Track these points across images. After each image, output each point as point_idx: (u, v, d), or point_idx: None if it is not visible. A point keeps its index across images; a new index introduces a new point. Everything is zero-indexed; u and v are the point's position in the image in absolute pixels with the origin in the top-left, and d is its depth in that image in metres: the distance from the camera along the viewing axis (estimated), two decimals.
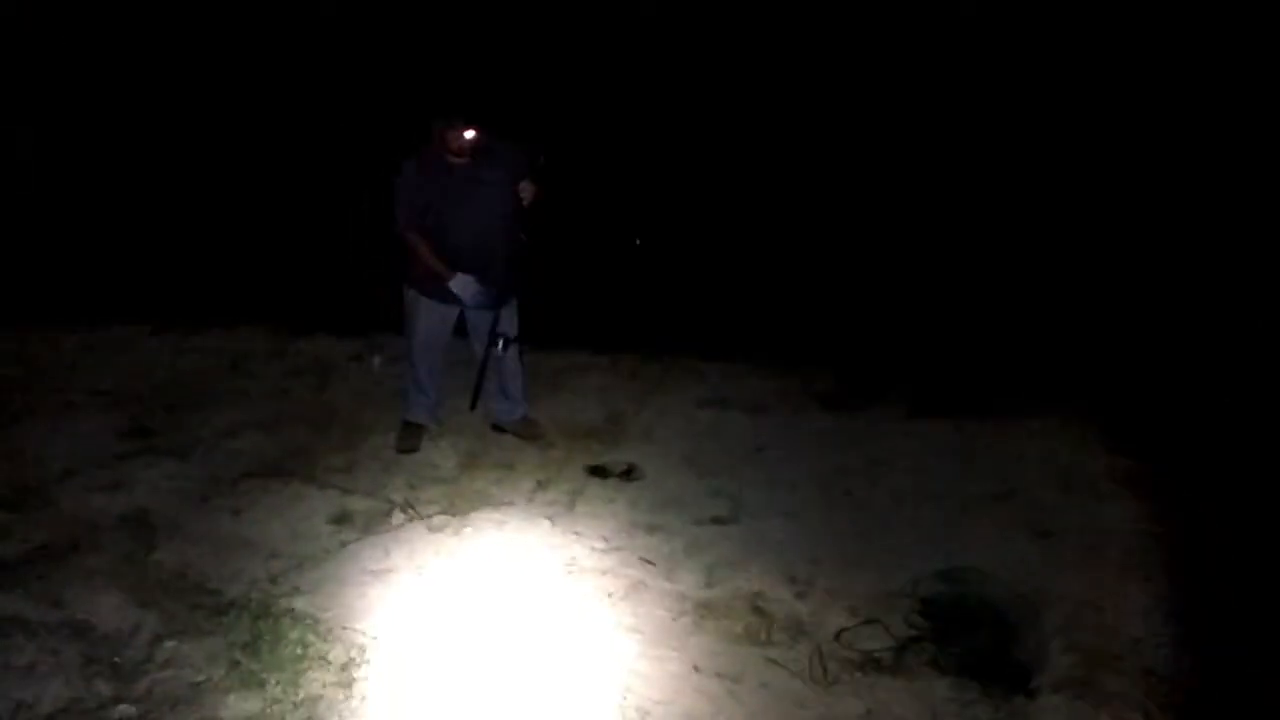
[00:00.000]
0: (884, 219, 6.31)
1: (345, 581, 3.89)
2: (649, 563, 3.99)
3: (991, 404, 4.95)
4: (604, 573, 3.93)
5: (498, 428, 4.89)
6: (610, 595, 3.81)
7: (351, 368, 5.45)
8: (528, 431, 4.86)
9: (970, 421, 4.86)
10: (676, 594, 3.81)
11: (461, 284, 4.43)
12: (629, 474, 4.57)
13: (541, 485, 4.54)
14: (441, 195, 4.35)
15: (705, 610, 3.72)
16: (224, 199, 7.00)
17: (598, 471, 4.59)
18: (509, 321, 4.62)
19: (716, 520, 4.24)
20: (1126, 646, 3.51)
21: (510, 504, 4.40)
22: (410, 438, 4.80)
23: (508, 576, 3.94)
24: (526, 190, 4.44)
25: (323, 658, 3.51)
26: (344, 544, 4.12)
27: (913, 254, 6.16)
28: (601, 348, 5.56)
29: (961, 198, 6.21)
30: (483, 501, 4.41)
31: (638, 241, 6.16)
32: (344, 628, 3.63)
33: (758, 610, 3.73)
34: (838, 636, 3.59)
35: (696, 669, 3.46)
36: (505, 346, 4.59)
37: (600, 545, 4.10)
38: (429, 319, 4.58)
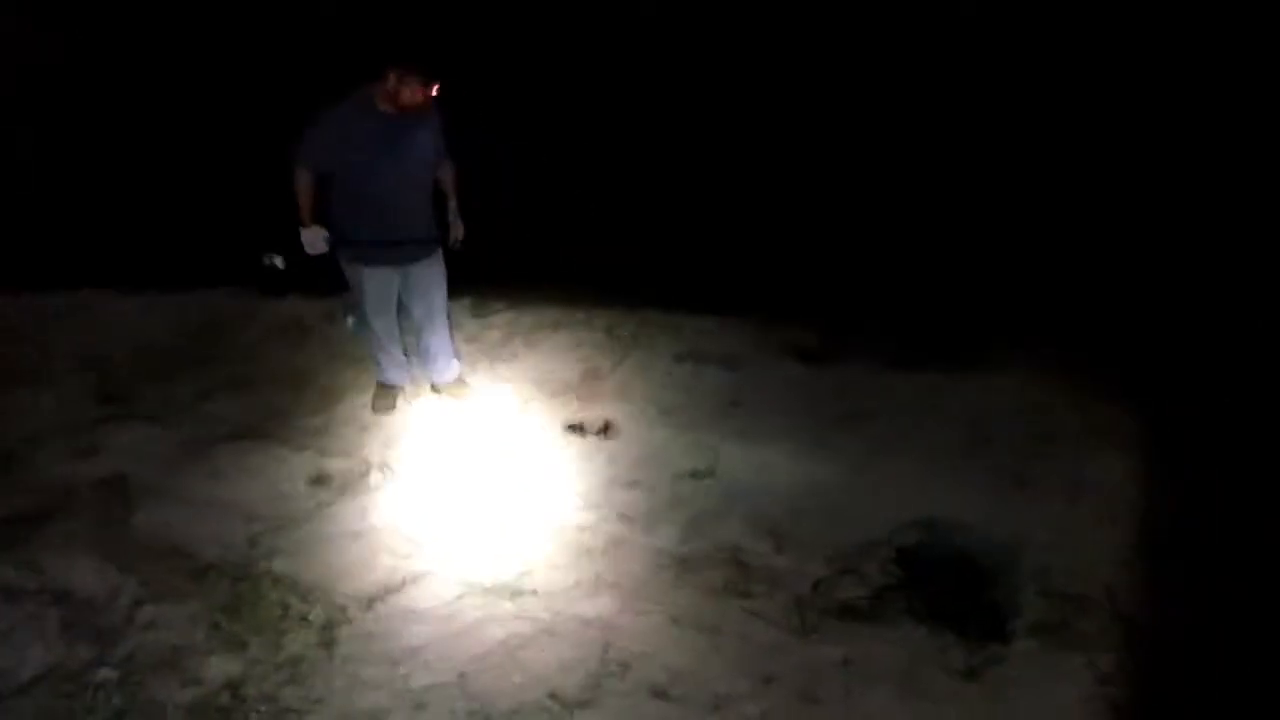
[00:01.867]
0: (862, 169, 6.26)
1: (325, 542, 3.90)
2: (628, 518, 4.00)
3: (970, 355, 4.96)
4: (583, 529, 3.96)
5: (435, 389, 4.87)
6: (589, 551, 3.85)
7: (325, 328, 5.42)
8: (459, 392, 4.83)
9: (948, 372, 4.86)
10: (655, 549, 3.85)
11: (310, 236, 4.26)
12: (606, 430, 4.57)
13: (517, 443, 4.53)
14: (368, 141, 4.18)
15: (684, 564, 3.76)
16: (191, 158, 6.90)
17: (575, 429, 4.59)
18: (438, 279, 4.57)
19: (695, 474, 4.25)
20: (1099, 592, 3.58)
21: (488, 463, 4.39)
22: (386, 399, 4.79)
23: (486, 536, 3.96)
24: (457, 229, 4.47)
25: (304, 619, 3.54)
26: (322, 505, 4.11)
27: (891, 204, 6.12)
28: (576, 304, 5.52)
29: (942, 152, 6.18)
30: (459, 461, 4.41)
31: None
32: (324, 589, 3.66)
33: (737, 563, 3.76)
34: (815, 586, 3.64)
35: (676, 621, 3.51)
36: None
37: (579, 502, 4.11)
38: (372, 283, 4.49)
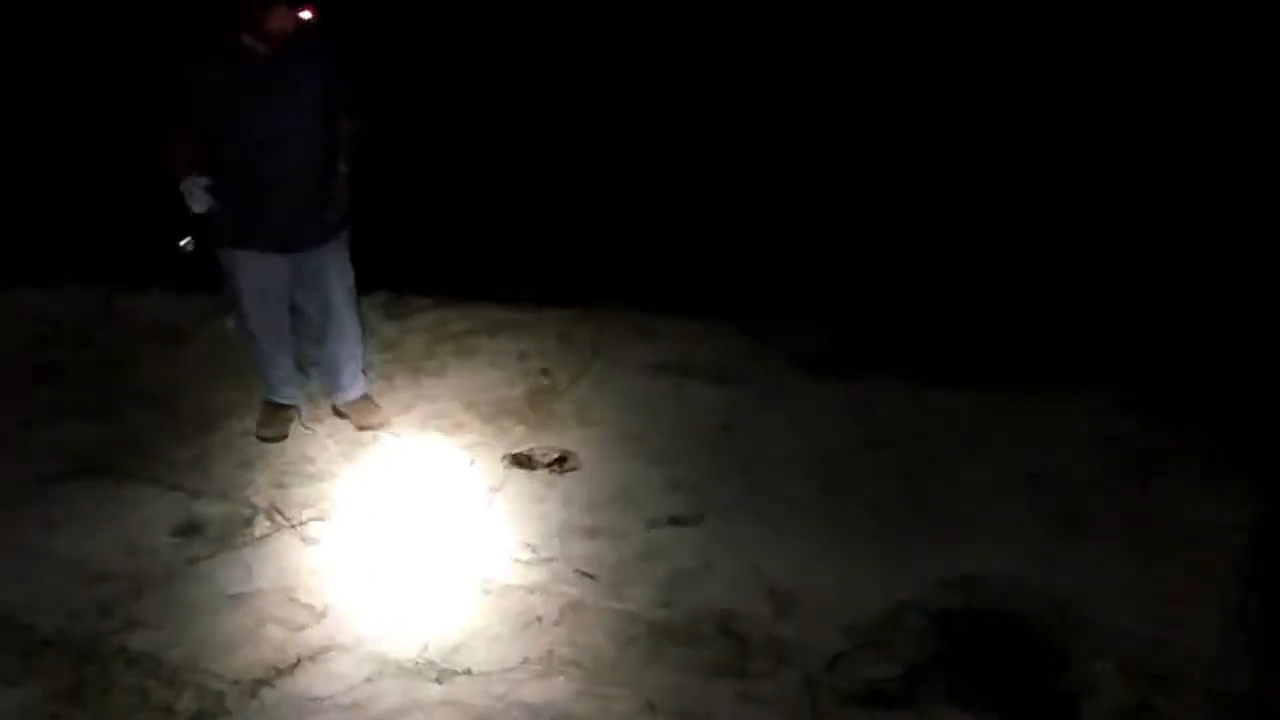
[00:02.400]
0: (880, 149, 6.40)
1: (196, 610, 3.87)
2: (589, 576, 4.00)
3: (1012, 371, 5.01)
4: (532, 591, 3.93)
5: (338, 411, 4.86)
6: (540, 620, 3.80)
7: (199, 333, 5.41)
8: (362, 416, 4.80)
9: (989, 392, 4.90)
10: (625, 615, 3.82)
11: (190, 186, 4.25)
12: (561, 464, 4.56)
13: (448, 480, 4.52)
14: (234, 90, 4.15)
15: (662, 635, 3.73)
16: (33, 139, 7.03)
17: (521, 461, 4.58)
18: (337, 269, 4.56)
19: (674, 520, 4.25)
20: (1191, 664, 3.55)
21: (408, 506, 4.38)
22: (275, 423, 4.77)
23: (406, 601, 3.93)
24: (346, 126, 4.42)
25: (168, 709, 3.49)
26: (193, 562, 4.10)
27: (917, 186, 6.22)
28: (522, 300, 5.55)
29: (967, 145, 6.37)
30: (371, 503, 4.40)
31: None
32: (195, 670, 3.62)
33: (729, 633, 3.73)
34: (832, 664, 3.60)
35: (652, 710, 3.46)
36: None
37: (526, 556, 4.10)
38: (249, 274, 4.47)
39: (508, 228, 5.97)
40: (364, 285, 4.66)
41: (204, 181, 4.24)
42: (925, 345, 5.17)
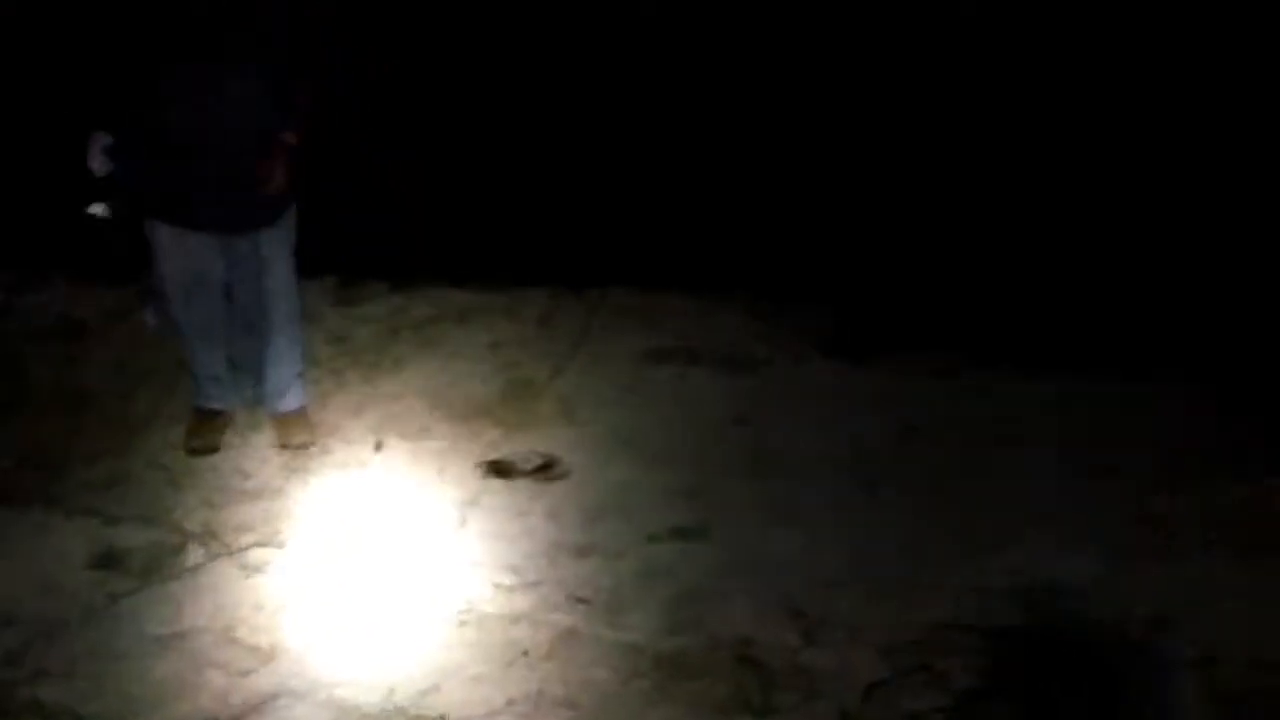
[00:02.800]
0: (912, 106, 6.45)
1: (119, 656, 3.81)
2: (582, 601, 3.99)
3: (1059, 354, 5.05)
4: (516, 620, 3.92)
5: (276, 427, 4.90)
6: (527, 654, 3.79)
7: (112, 331, 5.40)
8: (291, 432, 4.78)
9: (1034, 378, 4.94)
10: (626, 646, 3.81)
11: (91, 143, 4.27)
12: (545, 471, 4.58)
13: (413, 494, 4.53)
14: (151, 28, 4.16)
15: (670, 668, 3.72)
16: None
17: (498, 469, 4.60)
18: (277, 252, 4.56)
19: (679, 533, 4.26)
20: None
21: (366, 525, 4.38)
22: (205, 433, 4.76)
23: (368, 637, 3.91)
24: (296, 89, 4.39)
25: None
26: (114, 599, 4.05)
27: (951, 144, 6.25)
28: (495, 281, 5.58)
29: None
30: (323, 523, 4.40)
31: None
32: None
33: (748, 663, 3.72)
34: (869, 695, 3.60)
35: None
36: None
37: (509, 580, 4.09)
38: (176, 254, 4.47)
39: (478, 204, 5.98)
40: (309, 269, 4.67)
41: (104, 140, 4.26)
42: (960, 324, 5.21)
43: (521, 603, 3.98)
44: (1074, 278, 5.53)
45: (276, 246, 4.55)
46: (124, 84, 4.25)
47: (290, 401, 4.79)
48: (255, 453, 4.74)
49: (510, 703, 3.61)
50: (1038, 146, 6.20)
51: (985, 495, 4.34)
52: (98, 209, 4.34)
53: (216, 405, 4.78)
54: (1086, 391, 4.88)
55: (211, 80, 4.22)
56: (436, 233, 5.76)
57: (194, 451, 4.71)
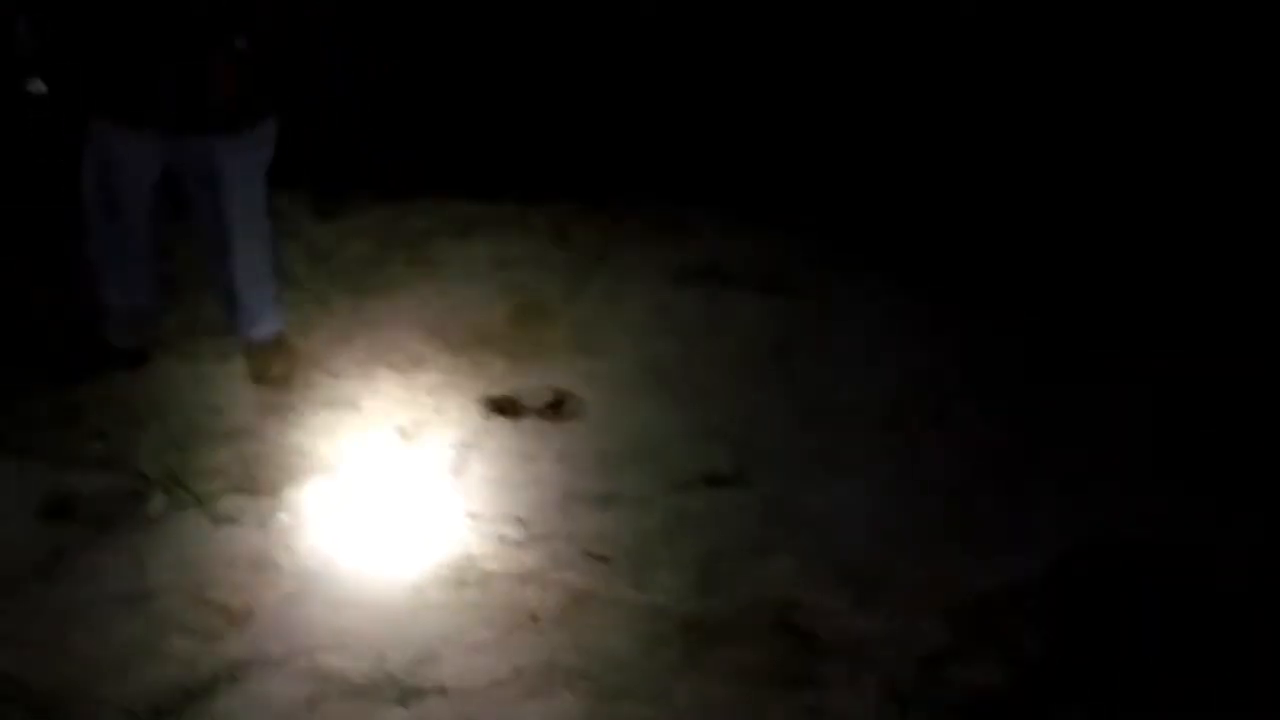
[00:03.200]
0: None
1: (73, 619, 3.80)
2: (599, 558, 4.00)
3: (1138, 293, 5.15)
4: (524, 580, 3.93)
5: (247, 354, 4.90)
6: (536, 618, 3.80)
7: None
8: (267, 362, 4.82)
9: (1111, 315, 5.02)
10: (650, 608, 3.83)
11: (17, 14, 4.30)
12: (556, 409, 4.61)
13: (406, 434, 4.54)
14: None
15: (700, 634, 3.73)
16: None
17: (503, 407, 4.62)
18: (238, 168, 4.55)
19: (712, 481, 4.28)
20: None
21: (353, 469, 4.38)
22: (74, 358, 4.80)
23: (359, 597, 3.91)
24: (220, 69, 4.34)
25: None
26: (65, 553, 4.03)
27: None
28: (504, 190, 5.56)
29: None
30: (305, 467, 4.40)
31: None
32: (75, 698, 3.58)
33: (790, 629, 3.75)
34: (925, 666, 3.63)
35: None
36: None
37: (515, 533, 4.11)
38: (101, 147, 4.47)
39: (483, 113, 6.00)
40: (285, 173, 4.62)
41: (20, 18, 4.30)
42: (1036, 246, 5.23)
43: (529, 559, 3.99)
44: (1139, 208, 5.62)
45: (236, 160, 4.53)
46: None
47: (264, 329, 4.80)
48: (227, 386, 4.74)
49: (517, 673, 3.60)
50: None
51: (1059, 440, 4.36)
52: (37, 85, 4.35)
53: (119, 341, 4.80)
54: (1157, 332, 4.92)
55: None
56: (434, 139, 5.75)
57: (56, 378, 4.72)
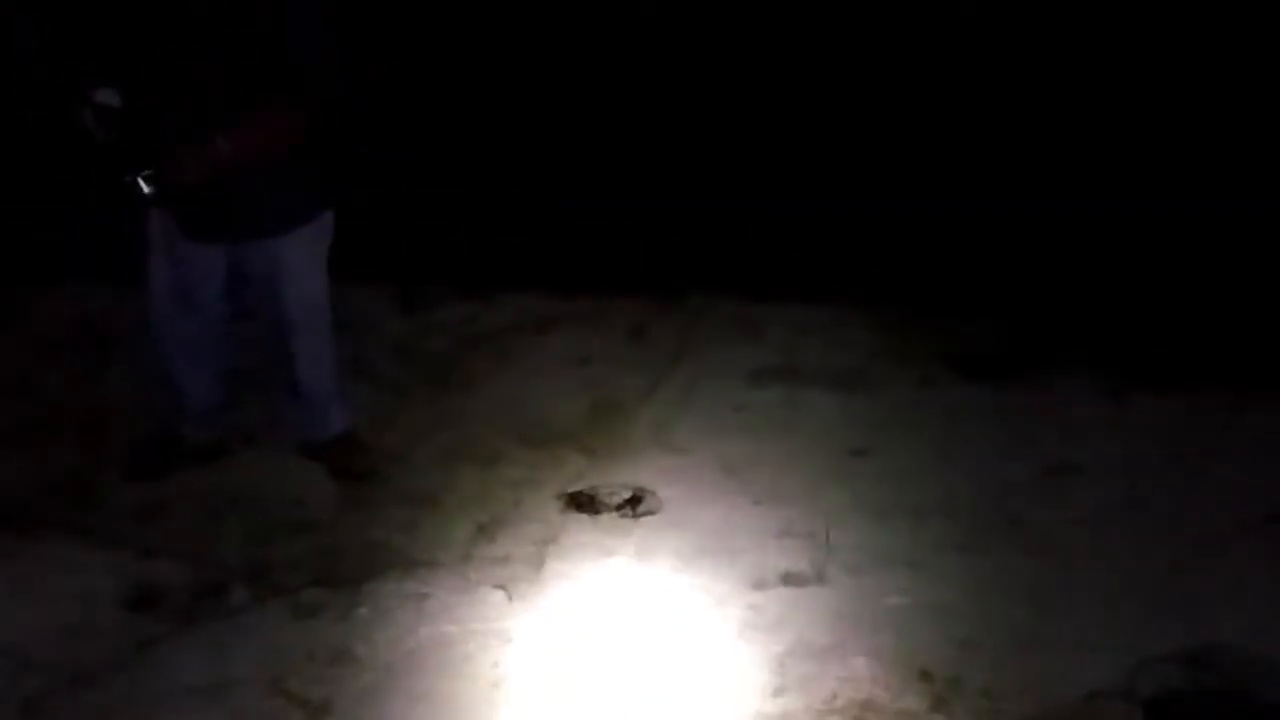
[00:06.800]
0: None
1: (151, 708, 3.83)
2: (679, 653, 3.99)
3: (1243, 371, 5.03)
4: (606, 679, 3.93)
5: (309, 453, 4.92)
6: (616, 716, 3.80)
7: (141, 337, 5.18)
8: (346, 458, 4.85)
9: (1218, 401, 4.91)
10: (729, 707, 3.81)
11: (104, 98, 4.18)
12: (635, 505, 4.63)
13: (485, 530, 4.55)
14: (146, 16, 4.20)
15: None
16: None
17: (581, 503, 4.64)
18: (293, 271, 4.58)
19: (789, 580, 4.28)
20: None
21: (433, 564, 4.40)
22: (150, 453, 4.85)
23: (437, 691, 3.91)
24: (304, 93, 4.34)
25: None
26: (147, 644, 4.07)
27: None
28: (579, 286, 5.59)
29: None
30: (385, 562, 4.42)
31: None
32: None
33: None
34: None
35: None
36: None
37: (594, 632, 4.10)
38: (170, 260, 4.54)
39: (556, 208, 6.01)
40: (368, 271, 4.66)
41: (109, 95, 4.16)
42: (1118, 339, 5.16)
43: (611, 658, 3.99)
44: (1233, 289, 5.51)
45: (294, 259, 4.55)
46: (118, 62, 4.24)
47: (333, 426, 4.85)
48: (306, 479, 4.78)
49: None
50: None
51: (1148, 541, 4.30)
52: (139, 180, 4.16)
53: (203, 437, 4.84)
54: (1257, 412, 4.85)
55: (196, 67, 4.20)
56: (512, 235, 5.76)
57: (134, 473, 4.78)
